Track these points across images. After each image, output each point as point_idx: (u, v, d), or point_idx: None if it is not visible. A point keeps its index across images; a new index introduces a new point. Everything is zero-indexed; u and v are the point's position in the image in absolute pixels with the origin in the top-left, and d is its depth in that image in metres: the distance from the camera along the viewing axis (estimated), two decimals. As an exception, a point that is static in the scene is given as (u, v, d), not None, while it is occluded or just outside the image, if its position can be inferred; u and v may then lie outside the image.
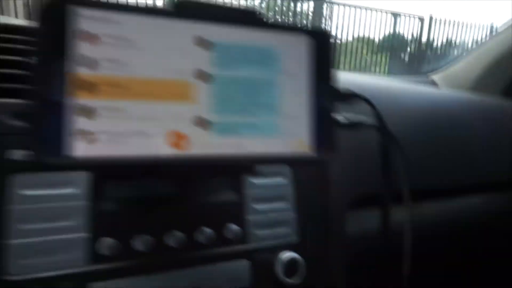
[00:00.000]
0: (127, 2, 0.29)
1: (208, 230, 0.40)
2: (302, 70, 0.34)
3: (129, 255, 0.36)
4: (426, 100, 0.68)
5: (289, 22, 0.33)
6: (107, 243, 0.35)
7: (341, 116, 0.36)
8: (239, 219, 0.41)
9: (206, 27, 0.31)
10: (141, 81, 0.28)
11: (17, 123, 0.35)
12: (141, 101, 0.28)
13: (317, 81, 0.34)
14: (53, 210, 0.34)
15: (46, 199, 0.34)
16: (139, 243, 0.36)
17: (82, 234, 0.35)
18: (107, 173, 0.35)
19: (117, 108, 0.27)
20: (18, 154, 0.34)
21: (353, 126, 0.36)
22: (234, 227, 0.41)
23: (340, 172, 0.49)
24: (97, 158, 0.26)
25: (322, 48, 0.34)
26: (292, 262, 0.41)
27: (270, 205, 0.43)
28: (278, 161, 0.32)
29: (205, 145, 0.30)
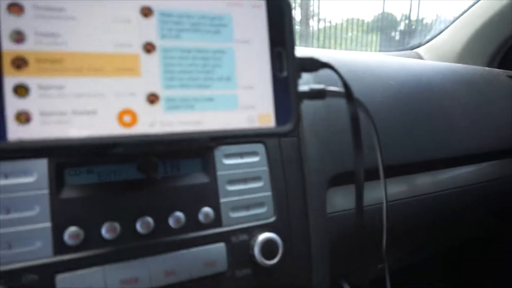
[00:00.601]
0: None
1: (180, 215, 0.38)
2: (258, 37, 0.32)
3: (97, 244, 0.35)
4: (407, 71, 0.67)
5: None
6: (72, 232, 0.34)
7: (306, 86, 0.35)
8: (212, 202, 0.40)
9: None
10: (81, 55, 0.26)
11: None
12: (82, 77, 0.26)
13: (276, 48, 0.32)
14: (12, 201, 0.33)
15: (3, 189, 0.33)
16: (107, 230, 0.35)
17: (45, 224, 0.34)
18: (59, 156, 0.34)
19: (54, 86, 0.25)
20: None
21: (316, 94, 0.34)
22: (207, 210, 0.40)
23: (317, 149, 0.48)
24: (37, 142, 0.25)
25: (280, 12, 0.32)
26: (269, 242, 0.40)
27: (244, 185, 0.42)
28: (238, 136, 0.31)
29: (159, 122, 0.28)
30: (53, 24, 0.26)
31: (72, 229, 0.34)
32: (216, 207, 0.40)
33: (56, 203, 0.34)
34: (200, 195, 0.40)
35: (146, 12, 0.29)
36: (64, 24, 0.26)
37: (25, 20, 0.25)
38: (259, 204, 0.42)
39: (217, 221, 0.40)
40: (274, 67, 0.33)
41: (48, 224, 0.34)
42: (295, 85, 0.33)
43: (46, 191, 0.34)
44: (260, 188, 0.43)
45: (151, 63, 0.28)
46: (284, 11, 0.33)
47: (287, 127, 0.32)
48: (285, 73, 0.33)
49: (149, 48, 0.29)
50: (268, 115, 0.32)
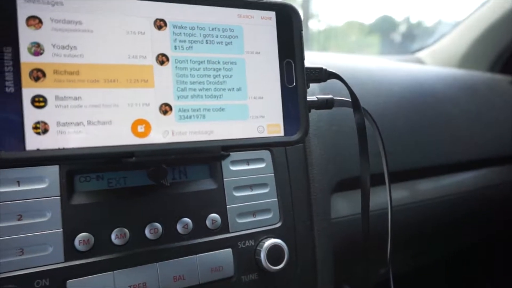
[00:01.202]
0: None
1: (188, 221, 0.39)
2: (268, 48, 0.33)
3: (107, 249, 0.35)
4: (409, 77, 0.67)
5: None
6: (82, 238, 0.35)
7: (314, 96, 0.35)
8: (219, 208, 0.41)
9: (163, 6, 0.29)
10: (96, 67, 0.27)
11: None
12: (98, 88, 0.27)
13: (285, 59, 0.33)
14: (25, 207, 0.33)
15: (16, 196, 0.33)
16: (116, 236, 0.36)
17: (57, 230, 0.34)
18: (74, 165, 0.34)
19: (71, 97, 0.26)
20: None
21: (323, 104, 0.35)
22: (215, 216, 0.40)
23: (322, 156, 0.49)
24: (54, 151, 0.25)
25: (289, 24, 0.33)
26: (275, 248, 0.41)
27: (250, 192, 0.43)
28: (248, 146, 0.31)
29: (172, 132, 0.29)
30: (70, 37, 0.26)
31: (83, 234, 0.35)
32: (223, 213, 0.41)
33: (67, 209, 0.35)
34: (207, 201, 0.40)
35: (160, 24, 0.29)
36: (80, 37, 0.27)
37: (43, 33, 0.26)
38: (265, 210, 0.43)
39: (224, 227, 0.41)
40: (283, 77, 0.33)
41: (59, 230, 0.34)
42: (304, 95, 0.33)
43: (57, 198, 0.34)
44: (266, 194, 0.43)
45: (164, 74, 0.29)
46: (294, 22, 0.34)
47: (296, 136, 0.33)
48: (294, 84, 0.33)
49: (162, 59, 0.29)
50: (277, 125, 0.33)
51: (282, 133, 0.33)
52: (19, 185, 0.33)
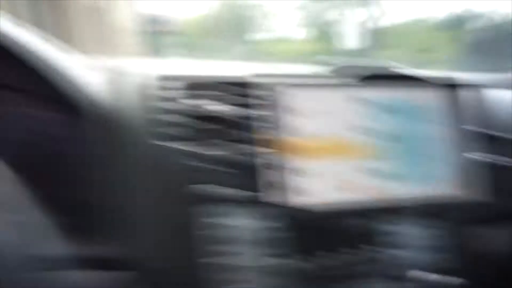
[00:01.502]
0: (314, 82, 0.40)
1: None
2: (441, 118, 0.42)
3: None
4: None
5: (425, 76, 0.42)
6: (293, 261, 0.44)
7: (489, 158, 0.43)
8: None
9: (362, 88, 0.42)
10: (327, 142, 0.41)
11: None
12: (329, 159, 0.40)
13: (457, 126, 0.41)
14: (244, 237, 0.41)
15: (238, 227, 0.42)
16: (317, 261, 0.44)
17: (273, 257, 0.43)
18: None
19: (313, 167, 0.40)
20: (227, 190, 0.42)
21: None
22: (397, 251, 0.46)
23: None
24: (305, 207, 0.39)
25: (456, 97, 0.43)
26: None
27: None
28: (441, 205, 0.40)
29: (377, 192, 0.40)
30: (314, 119, 0.40)
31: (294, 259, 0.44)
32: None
33: (281, 241, 0.43)
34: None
35: (358, 100, 0.40)
36: (321, 119, 0.38)
37: (300, 118, 0.40)
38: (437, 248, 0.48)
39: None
40: (459, 143, 0.41)
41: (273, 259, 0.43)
42: (481, 159, 0.41)
43: (272, 232, 0.42)
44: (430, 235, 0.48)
45: (365, 144, 0.41)
46: (459, 95, 0.42)
47: (478, 196, 0.41)
48: (465, 148, 0.41)
49: (363, 131, 0.40)
50: (458, 186, 0.41)
51: (463, 194, 0.41)
52: (247, 219, 0.44)
